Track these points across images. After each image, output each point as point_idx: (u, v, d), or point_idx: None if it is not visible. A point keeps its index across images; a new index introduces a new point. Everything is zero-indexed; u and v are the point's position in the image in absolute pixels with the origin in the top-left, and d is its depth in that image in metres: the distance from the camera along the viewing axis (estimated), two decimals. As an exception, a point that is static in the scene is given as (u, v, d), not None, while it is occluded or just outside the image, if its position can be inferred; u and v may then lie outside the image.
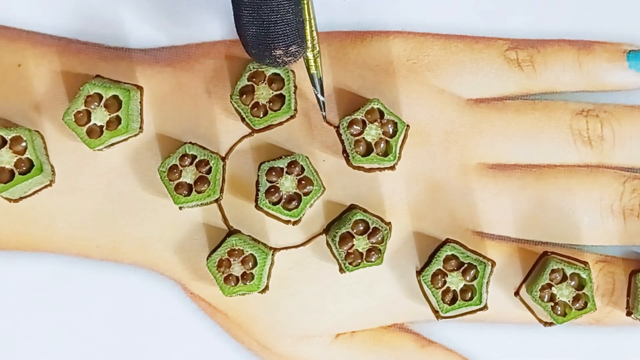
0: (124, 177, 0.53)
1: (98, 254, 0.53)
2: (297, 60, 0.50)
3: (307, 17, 0.49)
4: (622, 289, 0.52)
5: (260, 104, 0.51)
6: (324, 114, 0.52)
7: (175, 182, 0.51)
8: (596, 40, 0.53)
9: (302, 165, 0.51)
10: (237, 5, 0.48)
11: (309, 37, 0.50)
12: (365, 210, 0.52)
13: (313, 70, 0.51)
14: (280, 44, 0.48)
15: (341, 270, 0.51)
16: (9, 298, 0.53)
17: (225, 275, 0.50)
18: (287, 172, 0.51)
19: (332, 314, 0.52)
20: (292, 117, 0.52)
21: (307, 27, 0.50)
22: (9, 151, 0.51)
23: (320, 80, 0.51)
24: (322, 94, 0.51)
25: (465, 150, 0.52)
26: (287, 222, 0.52)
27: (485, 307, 0.51)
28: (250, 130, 0.52)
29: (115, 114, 0.51)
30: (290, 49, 0.49)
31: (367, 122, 0.51)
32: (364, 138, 0.51)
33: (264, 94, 0.51)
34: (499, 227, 0.52)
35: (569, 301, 0.50)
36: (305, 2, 0.49)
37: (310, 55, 0.50)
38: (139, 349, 0.53)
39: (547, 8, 0.53)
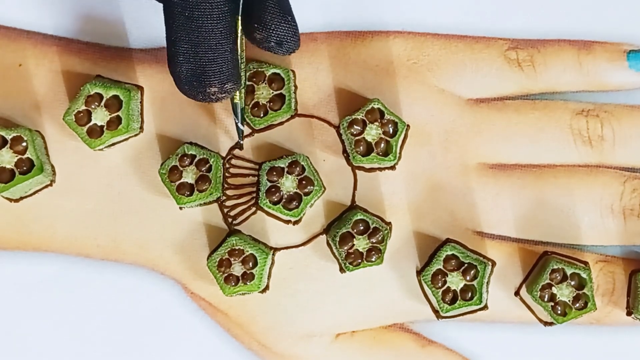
0: (124, 177, 0.53)
1: (98, 253, 0.53)
2: (230, 96, 0.48)
3: (240, 51, 0.48)
4: (622, 289, 0.52)
5: (261, 103, 0.51)
6: (241, 142, 0.51)
7: (177, 183, 0.51)
8: (596, 40, 0.53)
9: (302, 165, 0.51)
10: (173, 42, 0.46)
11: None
12: (365, 210, 0.52)
13: (237, 100, 0.49)
14: (216, 81, 0.47)
15: (341, 270, 0.51)
16: (9, 298, 0.53)
17: (226, 275, 0.50)
18: (287, 172, 0.51)
19: (332, 313, 0.52)
20: (292, 116, 0.52)
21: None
22: (10, 151, 0.51)
23: (242, 110, 0.50)
24: (243, 123, 0.50)
25: (465, 150, 0.52)
26: (288, 222, 0.52)
27: (485, 307, 0.51)
28: (250, 130, 0.52)
29: (116, 113, 0.51)
30: (225, 86, 0.47)
31: (367, 122, 0.51)
32: (364, 138, 0.51)
33: (264, 93, 0.51)
34: (499, 227, 0.52)
35: (569, 301, 0.50)
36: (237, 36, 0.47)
37: None
38: (139, 348, 0.53)
39: (547, 8, 0.53)
